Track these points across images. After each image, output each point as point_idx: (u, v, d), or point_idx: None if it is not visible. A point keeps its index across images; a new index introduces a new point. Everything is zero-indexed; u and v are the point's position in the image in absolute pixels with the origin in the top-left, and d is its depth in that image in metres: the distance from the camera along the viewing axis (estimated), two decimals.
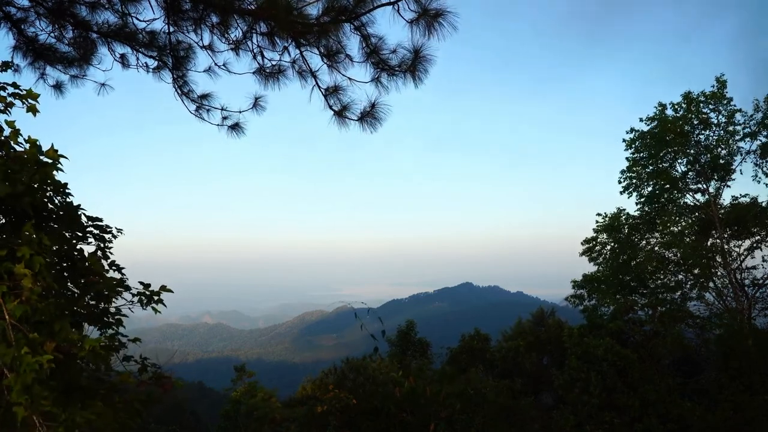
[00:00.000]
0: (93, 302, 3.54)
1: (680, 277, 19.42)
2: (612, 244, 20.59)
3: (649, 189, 19.85)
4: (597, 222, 20.81)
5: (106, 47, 6.35)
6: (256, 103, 6.43)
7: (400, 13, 4.61)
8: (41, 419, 2.67)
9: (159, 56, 6.35)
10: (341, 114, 5.62)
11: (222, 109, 6.64)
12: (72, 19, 5.97)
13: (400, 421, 8.06)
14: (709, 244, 18.92)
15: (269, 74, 6.03)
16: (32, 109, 3.73)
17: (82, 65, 6.58)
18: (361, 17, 4.82)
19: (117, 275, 3.74)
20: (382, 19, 4.80)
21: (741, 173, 18.71)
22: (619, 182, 20.41)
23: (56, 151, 3.44)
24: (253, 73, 6.07)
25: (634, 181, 20.05)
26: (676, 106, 18.88)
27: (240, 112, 6.59)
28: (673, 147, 18.85)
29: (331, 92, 5.60)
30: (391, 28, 4.71)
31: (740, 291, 18.28)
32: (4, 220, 3.36)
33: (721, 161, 18.70)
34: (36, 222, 3.25)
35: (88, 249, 3.66)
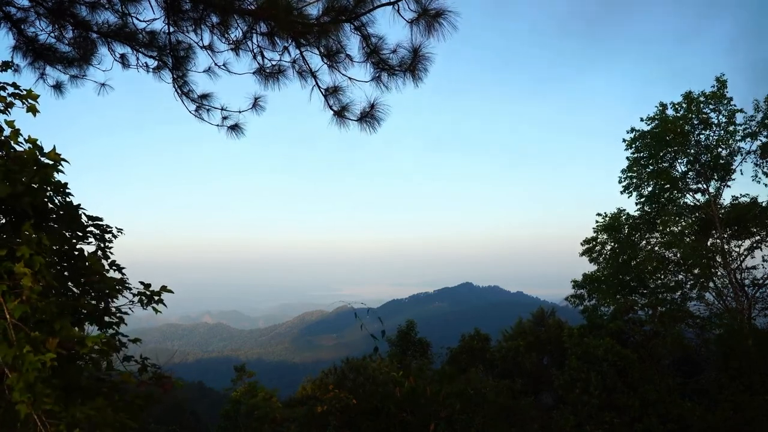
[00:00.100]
0: (94, 302, 3.54)
1: (680, 277, 19.43)
2: (612, 244, 20.60)
3: (650, 189, 19.86)
4: (597, 222, 20.82)
5: (106, 47, 6.35)
6: (256, 103, 6.43)
7: (400, 13, 4.62)
8: (43, 417, 2.67)
9: (159, 56, 6.35)
10: (341, 114, 5.62)
11: (222, 109, 6.65)
12: (72, 19, 5.97)
13: (400, 421, 8.07)
14: (709, 244, 18.92)
15: (269, 74, 6.03)
16: (32, 110, 3.73)
17: (82, 65, 6.58)
18: (361, 17, 4.82)
19: (117, 275, 3.75)
20: (382, 19, 4.81)
21: (741, 173, 18.74)
22: (620, 182, 20.42)
23: (58, 153, 3.45)
24: (253, 73, 6.07)
25: (635, 180, 20.05)
26: (677, 106, 18.88)
27: (240, 112, 6.60)
28: (673, 147, 18.85)
29: (331, 92, 5.61)
30: (392, 28, 4.72)
31: (740, 291, 18.28)
32: (4, 220, 3.36)
33: (721, 161, 18.71)
34: (36, 221, 3.25)
35: (88, 249, 3.67)
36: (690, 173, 19.49)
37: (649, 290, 19.40)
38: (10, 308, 2.68)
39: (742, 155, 18.62)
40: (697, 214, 19.45)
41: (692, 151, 18.95)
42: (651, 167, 19.55)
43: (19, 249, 2.82)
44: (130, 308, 3.71)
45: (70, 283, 3.49)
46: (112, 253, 3.83)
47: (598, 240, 20.88)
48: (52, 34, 6.29)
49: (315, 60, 5.46)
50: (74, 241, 3.60)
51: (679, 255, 18.49)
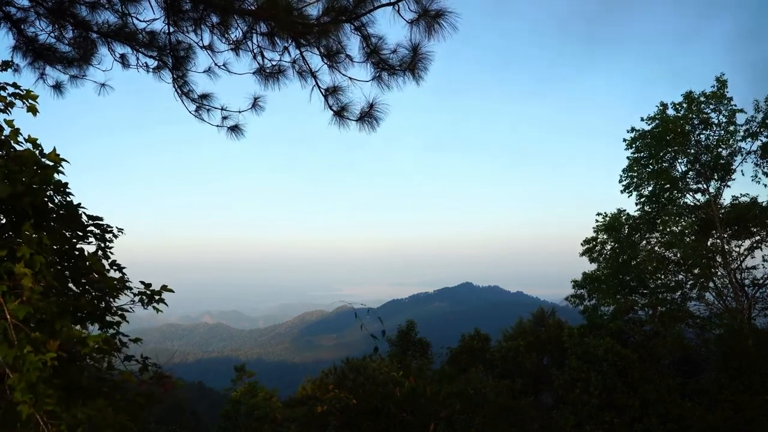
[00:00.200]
0: (95, 301, 3.54)
1: (680, 277, 19.43)
2: (612, 243, 20.60)
3: (650, 189, 19.86)
4: (597, 222, 20.82)
5: (106, 47, 6.35)
6: (255, 103, 6.43)
7: (400, 14, 4.62)
8: (45, 418, 2.67)
9: (159, 56, 6.35)
10: (340, 114, 5.63)
11: (222, 109, 6.65)
12: (72, 19, 5.97)
13: (400, 421, 8.07)
14: (709, 244, 18.92)
15: (269, 74, 6.03)
16: (32, 109, 3.74)
17: (81, 65, 6.58)
18: (361, 17, 4.82)
19: (118, 275, 3.75)
20: (382, 20, 4.81)
21: (743, 174, 18.73)
22: (620, 181, 20.42)
23: (58, 154, 3.45)
24: (253, 73, 6.07)
25: (635, 180, 20.05)
26: (677, 106, 18.88)
27: (240, 112, 6.60)
28: (673, 147, 18.85)
29: (331, 92, 5.61)
30: (392, 29, 4.72)
31: (740, 291, 18.28)
32: (4, 220, 3.36)
33: (722, 161, 18.70)
34: (36, 221, 3.25)
35: (88, 248, 3.67)
36: (690, 173, 19.50)
37: (649, 290, 19.40)
38: (10, 309, 2.68)
39: (742, 155, 18.64)
40: (697, 214, 19.46)
41: (692, 151, 18.95)
42: (651, 167, 19.55)
43: (19, 249, 2.82)
44: (131, 308, 3.71)
45: (70, 283, 3.50)
46: (112, 253, 3.83)
47: (598, 240, 20.88)
48: (52, 34, 6.29)
49: (315, 60, 5.47)
50: (74, 240, 3.60)
51: (679, 255, 18.49)
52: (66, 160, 3.51)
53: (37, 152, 3.53)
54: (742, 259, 18.72)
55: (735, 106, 18.21)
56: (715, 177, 19.14)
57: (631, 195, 20.27)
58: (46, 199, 3.46)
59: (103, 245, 3.78)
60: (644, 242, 20.25)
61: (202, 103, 6.66)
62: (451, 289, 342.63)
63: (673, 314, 17.17)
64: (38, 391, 2.58)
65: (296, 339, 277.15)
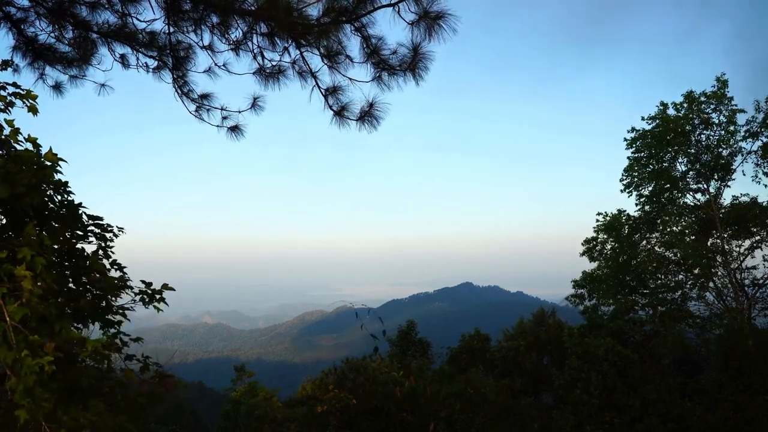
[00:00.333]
0: (96, 300, 3.54)
1: (680, 277, 19.43)
2: (612, 243, 20.60)
3: (650, 189, 19.86)
4: (597, 221, 20.82)
5: (106, 47, 6.35)
6: (255, 103, 6.43)
7: (400, 15, 4.61)
8: (45, 421, 2.67)
9: (159, 56, 6.35)
10: (341, 114, 5.63)
11: (222, 109, 6.65)
12: (72, 19, 5.97)
13: (400, 421, 8.07)
14: (709, 244, 18.92)
15: (269, 75, 6.03)
16: (33, 109, 3.74)
17: (81, 65, 6.58)
18: (361, 18, 4.82)
19: (118, 274, 3.76)
20: (382, 20, 4.81)
21: (744, 174, 18.73)
22: (621, 180, 20.42)
23: (55, 154, 3.45)
24: (253, 73, 6.07)
25: (635, 180, 20.05)
26: (678, 106, 18.87)
27: (239, 112, 6.60)
28: (673, 146, 18.85)
29: (331, 92, 5.61)
30: (392, 30, 4.72)
31: (740, 291, 18.29)
32: (4, 220, 3.36)
33: (722, 161, 18.70)
34: (37, 221, 3.25)
35: (89, 248, 3.68)
36: (690, 173, 19.50)
37: (649, 290, 19.40)
38: (10, 311, 2.68)
39: (743, 155, 18.64)
40: (697, 214, 19.46)
41: (693, 150, 18.94)
42: (651, 167, 19.55)
43: (20, 251, 2.81)
44: (131, 307, 3.71)
45: (71, 283, 3.50)
46: (113, 252, 3.84)
47: (599, 240, 20.89)
48: (52, 34, 6.29)
49: (315, 60, 5.47)
50: (74, 240, 3.61)
51: (679, 255, 18.50)
52: (64, 160, 3.52)
53: (36, 152, 3.53)
54: (742, 259, 18.73)
55: (736, 105, 18.22)
56: (716, 177, 19.15)
57: (631, 195, 20.29)
58: (46, 199, 3.46)
59: (103, 244, 3.79)
60: (644, 242, 20.26)
61: (202, 103, 6.66)
62: (451, 289, 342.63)
63: (673, 314, 17.18)
64: (35, 395, 2.58)
65: (296, 339, 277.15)
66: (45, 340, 2.71)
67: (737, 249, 18.94)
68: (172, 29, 5.89)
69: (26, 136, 3.56)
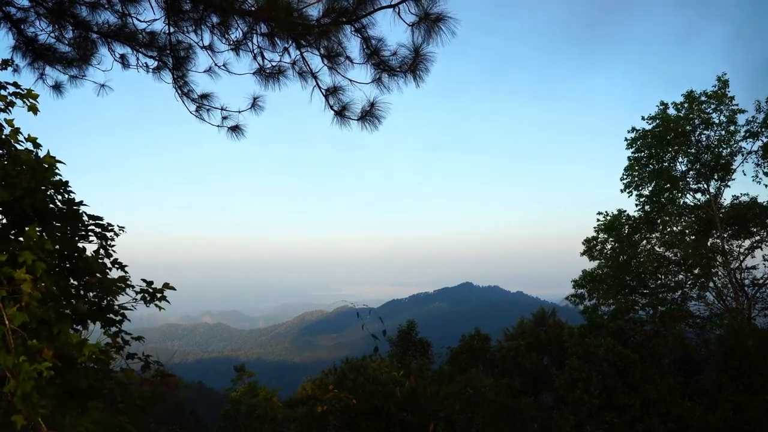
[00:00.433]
0: (96, 300, 3.54)
1: (680, 277, 19.43)
2: (612, 243, 20.61)
3: (650, 188, 19.86)
4: (598, 221, 20.82)
5: (106, 47, 6.35)
6: (255, 103, 6.43)
7: (401, 16, 4.61)
8: (44, 425, 2.67)
9: (159, 56, 6.35)
10: (342, 114, 5.63)
11: (222, 109, 6.65)
12: (72, 19, 5.97)
13: (400, 421, 8.07)
14: (709, 243, 18.93)
15: (269, 75, 6.03)
16: (33, 108, 3.74)
17: (81, 65, 6.58)
18: (361, 19, 4.81)
19: (119, 273, 3.76)
20: (383, 21, 4.81)
21: (744, 174, 18.73)
22: (621, 180, 20.42)
23: (53, 157, 3.46)
24: (254, 73, 6.07)
25: (635, 180, 20.05)
26: (678, 106, 18.87)
27: (239, 112, 6.60)
28: (674, 146, 18.86)
29: (332, 92, 5.61)
30: (392, 31, 4.72)
31: (740, 291, 18.29)
32: (4, 220, 3.36)
33: (722, 161, 18.71)
34: (38, 222, 3.25)
35: (90, 247, 3.68)
36: (690, 173, 19.50)
37: (649, 290, 19.41)
38: (9, 314, 2.67)
39: (743, 155, 18.64)
40: (697, 214, 19.47)
41: (693, 150, 18.95)
42: (651, 167, 19.56)
43: (21, 254, 2.81)
44: (133, 306, 3.71)
45: (72, 282, 3.49)
46: (114, 251, 3.84)
47: (599, 239, 20.90)
48: (52, 34, 6.29)
49: (315, 61, 5.47)
50: (75, 239, 3.61)
51: (679, 255, 18.50)
52: (62, 162, 3.52)
53: (36, 152, 3.54)
54: (742, 259, 18.74)
55: (737, 105, 18.22)
56: (716, 177, 19.15)
57: (631, 195, 20.29)
58: (47, 200, 3.46)
59: (104, 243, 3.79)
60: (644, 242, 20.26)
61: (202, 103, 6.66)
62: (451, 289, 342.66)
63: (674, 314, 17.18)
64: (33, 401, 2.58)
65: (296, 339, 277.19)
66: (43, 345, 2.70)
67: (737, 249, 18.96)
68: (172, 29, 5.89)
69: (26, 136, 3.56)
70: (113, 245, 3.83)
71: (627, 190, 20.24)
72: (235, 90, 6.48)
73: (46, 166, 3.43)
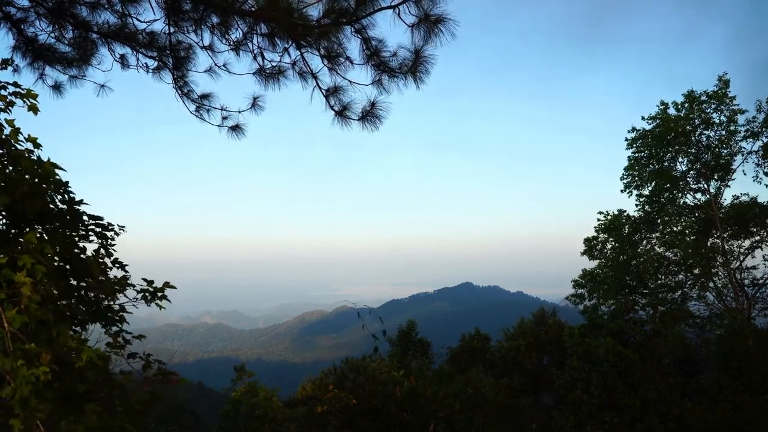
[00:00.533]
0: (96, 300, 3.54)
1: (680, 277, 19.43)
2: (613, 243, 20.61)
3: (650, 188, 19.86)
4: (598, 220, 20.82)
5: (106, 48, 6.35)
6: (255, 103, 6.43)
7: (401, 17, 4.61)
8: (42, 429, 2.66)
9: (159, 57, 6.35)
10: (342, 114, 5.62)
11: (222, 109, 6.65)
12: (72, 19, 5.97)
13: (400, 421, 8.07)
14: (709, 244, 18.93)
15: (269, 75, 6.03)
16: (33, 108, 3.74)
17: (81, 65, 6.58)
18: (361, 20, 4.81)
19: (120, 273, 3.76)
20: (383, 22, 4.81)
21: (744, 174, 18.73)
22: (621, 179, 20.42)
23: (53, 163, 3.45)
24: (254, 73, 6.07)
25: (636, 180, 20.05)
26: (679, 106, 18.86)
27: (240, 112, 6.60)
28: (674, 146, 18.85)
29: (332, 92, 5.61)
30: (392, 32, 4.71)
31: (740, 291, 18.29)
32: (4, 220, 3.36)
33: (722, 161, 18.70)
34: (38, 223, 3.25)
35: (91, 247, 3.68)
36: (690, 173, 19.50)
37: (649, 290, 19.41)
38: (8, 317, 2.67)
39: (743, 155, 18.64)
40: (697, 214, 19.46)
41: (693, 150, 18.94)
42: (651, 166, 19.55)
43: (21, 258, 2.81)
44: (134, 305, 3.71)
45: (72, 281, 3.49)
46: (115, 251, 3.84)
47: (599, 239, 20.90)
48: (52, 34, 6.29)
49: (315, 61, 5.46)
50: (76, 239, 3.60)
51: (679, 255, 18.51)
52: (63, 168, 3.52)
53: (38, 153, 3.54)
54: (742, 259, 18.73)
55: (738, 105, 18.22)
56: (716, 177, 19.15)
57: (631, 195, 20.30)
58: (47, 200, 3.46)
59: (104, 243, 3.79)
60: (644, 242, 20.26)
61: (202, 103, 6.66)
62: (451, 289, 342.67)
63: (674, 314, 17.19)
64: (30, 405, 2.58)
65: (296, 339, 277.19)
66: (41, 349, 2.70)
67: (737, 249, 18.96)
68: (172, 29, 5.89)
69: (26, 136, 3.56)
70: (113, 245, 3.83)
71: (627, 190, 20.24)
72: (235, 90, 6.48)
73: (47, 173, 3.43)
